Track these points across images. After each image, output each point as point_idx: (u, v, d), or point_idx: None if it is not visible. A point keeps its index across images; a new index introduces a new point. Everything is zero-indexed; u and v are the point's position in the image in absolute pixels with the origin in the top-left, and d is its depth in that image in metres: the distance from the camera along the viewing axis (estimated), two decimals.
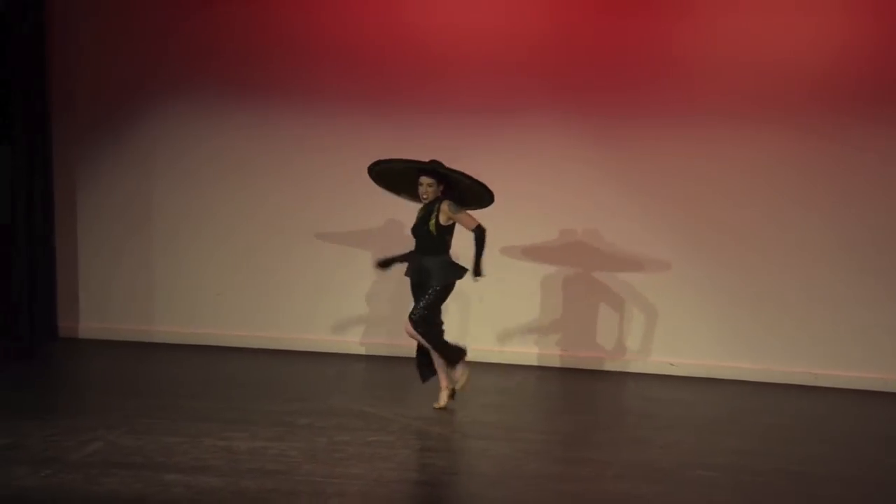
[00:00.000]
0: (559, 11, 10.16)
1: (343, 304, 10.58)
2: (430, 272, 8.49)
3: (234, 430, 8.13)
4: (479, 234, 8.40)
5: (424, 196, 8.49)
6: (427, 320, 8.51)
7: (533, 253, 10.37)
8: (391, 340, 10.38)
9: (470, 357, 10.42)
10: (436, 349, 8.57)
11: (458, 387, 8.68)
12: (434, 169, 8.47)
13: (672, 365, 10.30)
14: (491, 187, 10.26)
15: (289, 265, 10.61)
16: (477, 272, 8.43)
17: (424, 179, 8.48)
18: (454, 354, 8.64)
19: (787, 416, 9.29)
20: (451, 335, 10.40)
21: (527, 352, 10.42)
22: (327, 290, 10.60)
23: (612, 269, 10.30)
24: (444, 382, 8.69)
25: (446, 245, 8.54)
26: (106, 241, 10.85)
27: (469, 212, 8.47)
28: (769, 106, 9.95)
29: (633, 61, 10.09)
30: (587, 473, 7.58)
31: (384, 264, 8.75)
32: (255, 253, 10.69)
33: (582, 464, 7.75)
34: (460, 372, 8.68)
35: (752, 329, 10.17)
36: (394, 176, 8.65)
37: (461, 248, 8.62)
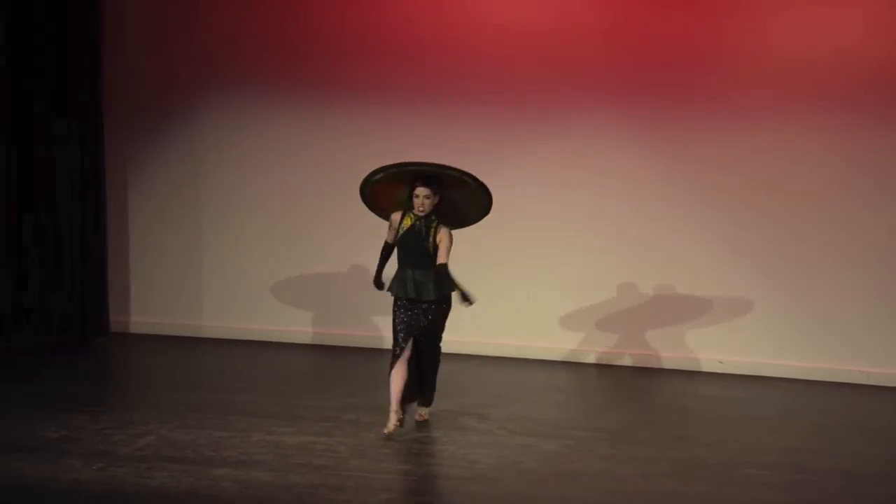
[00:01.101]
0: (606, 7, 10.12)
1: (390, 299, 10.58)
2: (426, 286, 7.96)
3: (281, 424, 8.19)
4: (441, 269, 7.86)
5: (421, 209, 7.88)
6: (439, 349, 8.20)
7: (578, 249, 10.33)
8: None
9: (516, 353, 10.47)
10: (433, 379, 8.20)
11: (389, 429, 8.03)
12: (437, 175, 7.84)
13: (721, 362, 10.25)
14: (536, 184, 10.23)
15: (336, 260, 10.65)
16: (465, 299, 7.90)
17: (422, 191, 7.86)
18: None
19: (837, 414, 9.23)
20: (498, 332, 10.46)
21: (572, 348, 10.40)
22: (364, 287, 10.61)
23: (660, 265, 10.25)
24: (396, 406, 8.05)
25: (434, 260, 8.01)
26: (156, 236, 10.94)
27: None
28: (823, 100, 9.84)
29: (681, 58, 10.03)
30: (634, 471, 7.56)
31: (380, 284, 8.24)
32: (303, 247, 10.74)
33: (629, 461, 7.74)
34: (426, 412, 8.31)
35: (802, 326, 10.09)
36: (383, 188, 8.00)
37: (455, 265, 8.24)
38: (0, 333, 10.18)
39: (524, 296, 10.39)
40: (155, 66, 10.76)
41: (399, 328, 8.05)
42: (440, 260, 7.94)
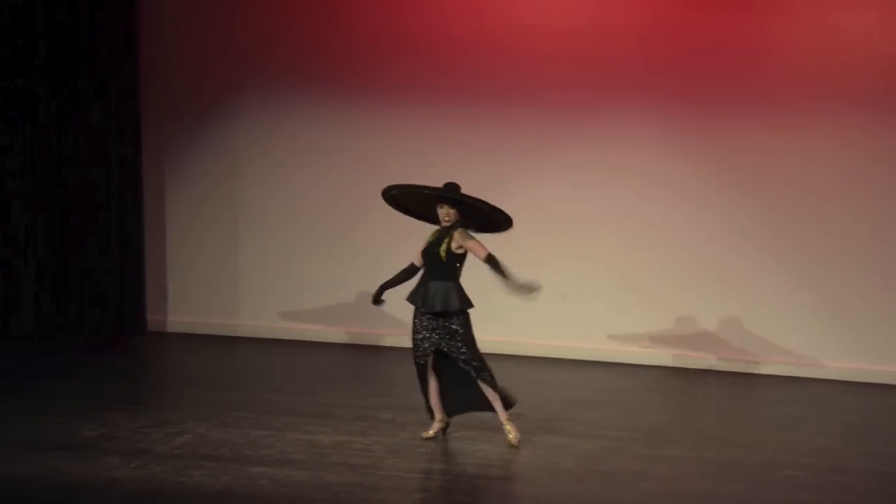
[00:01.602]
0: (641, 8, 10.10)
1: None
2: (440, 298, 7.86)
3: (317, 423, 8.22)
4: (492, 262, 7.83)
5: (446, 219, 7.91)
6: (483, 366, 7.92)
7: (613, 250, 10.32)
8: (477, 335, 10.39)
9: (552, 353, 10.47)
10: (495, 389, 7.96)
11: (511, 438, 7.92)
12: (449, 196, 7.89)
13: (756, 363, 10.21)
14: (571, 184, 10.20)
15: (371, 260, 10.67)
16: (524, 290, 7.81)
17: (443, 208, 7.92)
18: (509, 397, 8.07)
19: (873, 415, 9.18)
20: (533, 333, 10.45)
21: (607, 349, 10.38)
22: (411, 284, 10.63)
23: (699, 265, 10.22)
24: (440, 415, 8.05)
25: (455, 272, 7.93)
26: (193, 236, 11.00)
27: (481, 239, 7.92)
28: (867, 102, 9.79)
29: (722, 57, 9.99)
30: (670, 471, 7.55)
31: (377, 298, 8.10)
32: (338, 247, 10.77)
33: (664, 461, 7.72)
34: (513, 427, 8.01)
35: (839, 328, 10.04)
36: (413, 199, 8.08)
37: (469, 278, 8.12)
38: (39, 333, 10.28)
39: (559, 296, 10.38)
40: (192, 66, 10.82)
41: (416, 337, 7.99)
42: (481, 257, 7.83)
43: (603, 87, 10.19)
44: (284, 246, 10.87)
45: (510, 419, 7.94)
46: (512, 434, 7.91)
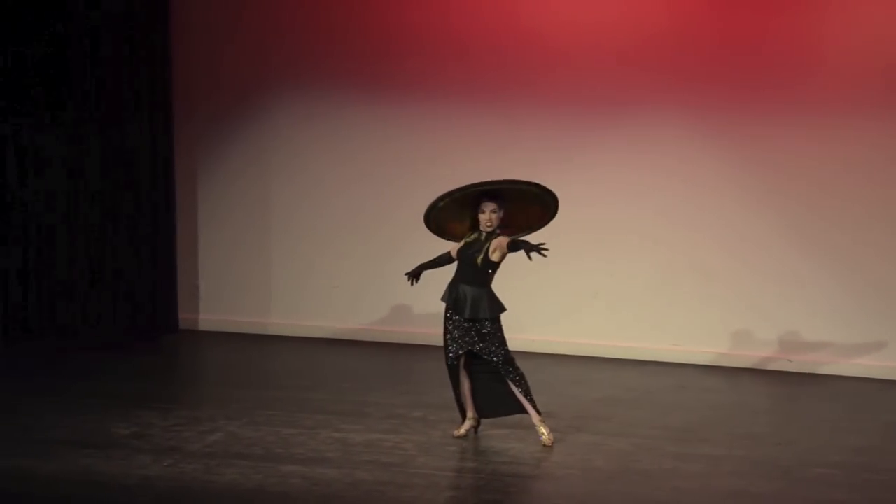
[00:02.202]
0: (679, 4, 10.05)
1: None
2: (470, 305, 7.78)
3: (349, 422, 8.23)
4: (513, 246, 7.61)
5: (488, 224, 7.74)
6: (511, 360, 7.86)
7: (645, 248, 10.28)
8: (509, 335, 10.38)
9: (583, 352, 10.44)
10: (526, 394, 7.90)
11: (545, 439, 7.89)
12: (498, 190, 7.68)
13: (790, 361, 10.15)
14: (603, 183, 10.15)
15: (403, 258, 10.64)
16: (533, 249, 7.49)
17: (488, 206, 7.73)
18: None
19: None
20: (565, 331, 10.43)
21: (640, 347, 10.35)
22: (442, 283, 10.63)
23: (728, 264, 10.17)
24: (472, 413, 8.03)
25: (488, 278, 7.81)
26: (225, 235, 11.04)
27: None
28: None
29: (753, 56, 9.94)
30: (701, 469, 7.51)
31: (414, 276, 8.09)
32: (370, 246, 10.78)
33: (696, 460, 7.69)
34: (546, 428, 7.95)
35: (871, 325, 9.97)
36: (449, 213, 7.86)
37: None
38: (72, 331, 10.34)
39: (591, 294, 10.36)
40: (225, 66, 10.85)
41: (447, 338, 7.95)
42: (504, 249, 7.69)
43: (634, 85, 10.15)
44: (316, 244, 10.89)
45: (543, 420, 7.92)
46: (546, 436, 7.89)
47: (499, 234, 7.81)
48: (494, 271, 7.88)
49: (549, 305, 10.42)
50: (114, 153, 10.41)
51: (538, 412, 7.93)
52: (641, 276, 10.31)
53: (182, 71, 10.79)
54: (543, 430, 7.90)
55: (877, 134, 9.82)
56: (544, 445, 7.85)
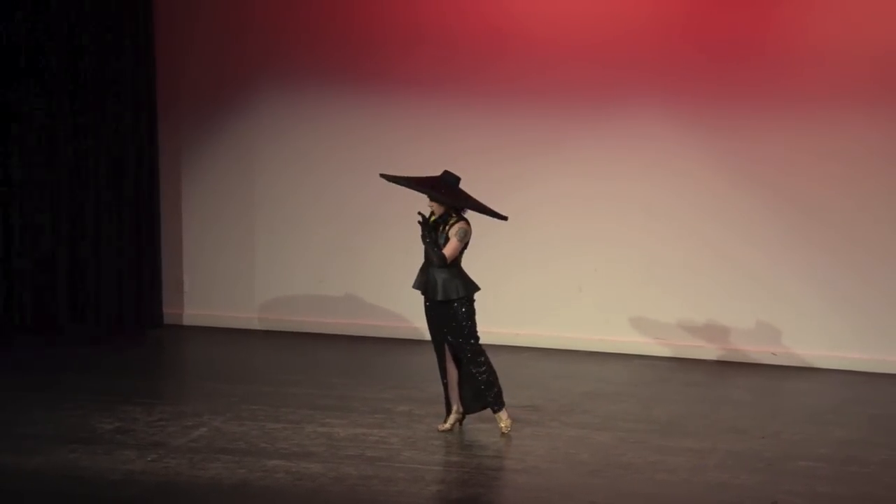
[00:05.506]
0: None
1: None
2: (440, 287, 7.79)
3: (334, 416, 8.23)
4: (440, 261, 7.73)
5: (432, 214, 7.87)
6: (480, 352, 7.86)
7: (630, 242, 10.28)
8: (488, 328, 10.38)
9: (568, 346, 10.44)
10: (488, 388, 7.89)
11: (504, 427, 7.96)
12: (436, 197, 7.80)
13: (774, 354, 10.17)
14: (593, 177, 10.13)
15: (388, 253, 10.67)
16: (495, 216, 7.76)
17: (430, 202, 7.87)
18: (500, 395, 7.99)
19: (893, 406, 9.12)
20: (549, 324, 10.43)
21: (624, 340, 10.35)
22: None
23: (717, 258, 10.17)
24: (456, 406, 8.04)
25: (456, 259, 7.84)
26: (209, 230, 11.01)
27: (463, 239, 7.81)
28: (882, 97, 9.74)
29: (740, 50, 9.93)
30: (686, 462, 7.53)
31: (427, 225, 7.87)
32: (355, 240, 10.76)
33: (680, 453, 7.70)
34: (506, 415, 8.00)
35: (858, 318, 9.98)
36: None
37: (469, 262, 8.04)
38: (55, 325, 10.31)
39: (575, 288, 10.36)
40: (208, 62, 10.82)
41: (428, 326, 8.03)
42: (444, 251, 7.74)
43: (620, 80, 10.14)
44: (301, 239, 10.87)
45: (500, 416, 7.94)
46: (504, 423, 7.92)
47: (457, 221, 7.81)
48: (460, 252, 7.83)
49: (534, 299, 10.41)
50: (98, 149, 10.38)
51: (493, 409, 7.91)
52: (626, 271, 10.31)
53: (166, 65, 10.75)
54: (502, 423, 7.94)
55: (864, 127, 9.82)
56: (502, 434, 7.89)
